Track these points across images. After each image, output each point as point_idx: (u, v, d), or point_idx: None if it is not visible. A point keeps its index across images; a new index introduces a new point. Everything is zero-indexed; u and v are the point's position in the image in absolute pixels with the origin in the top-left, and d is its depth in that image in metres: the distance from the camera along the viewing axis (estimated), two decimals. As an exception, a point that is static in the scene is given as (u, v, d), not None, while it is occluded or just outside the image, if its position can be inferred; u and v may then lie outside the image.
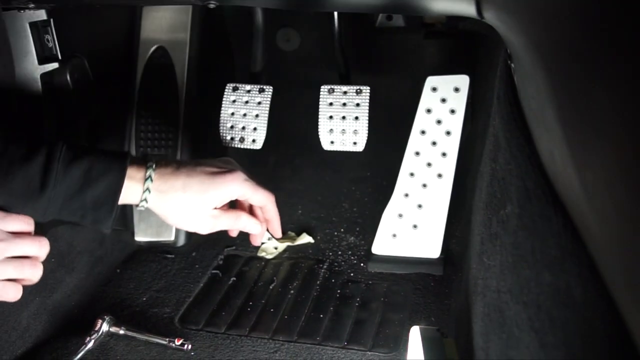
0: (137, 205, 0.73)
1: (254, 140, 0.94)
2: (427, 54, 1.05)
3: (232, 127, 0.95)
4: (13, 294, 0.65)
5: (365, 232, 1.06)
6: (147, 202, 0.72)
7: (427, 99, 0.88)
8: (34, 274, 0.66)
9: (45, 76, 0.88)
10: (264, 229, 0.79)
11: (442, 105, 0.88)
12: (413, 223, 0.92)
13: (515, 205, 0.47)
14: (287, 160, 1.22)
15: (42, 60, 0.87)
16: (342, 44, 0.99)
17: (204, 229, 0.74)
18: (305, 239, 1.06)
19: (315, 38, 1.15)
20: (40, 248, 0.67)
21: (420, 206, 0.91)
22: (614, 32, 0.28)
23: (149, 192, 0.72)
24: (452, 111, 0.87)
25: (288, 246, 1.05)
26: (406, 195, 0.92)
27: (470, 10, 0.60)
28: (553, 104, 0.38)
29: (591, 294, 0.33)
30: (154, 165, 0.72)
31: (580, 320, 0.34)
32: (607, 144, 0.29)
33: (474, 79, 0.87)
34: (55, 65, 0.90)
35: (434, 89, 0.88)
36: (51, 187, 0.69)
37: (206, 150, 1.07)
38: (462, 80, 0.87)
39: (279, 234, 0.82)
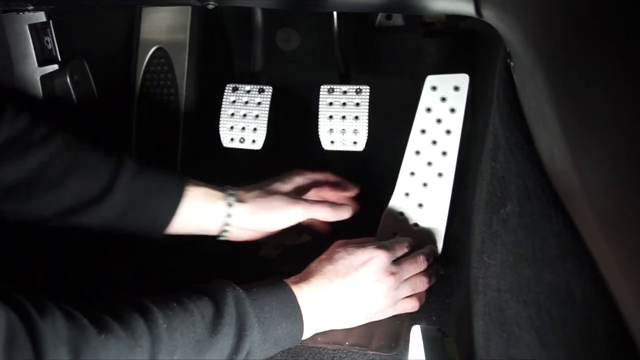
0: (219, 235, 0.84)
1: (253, 141, 0.94)
2: (426, 53, 1.05)
3: (232, 127, 0.95)
4: (412, 307, 0.81)
5: (366, 232, 1.05)
6: (231, 217, 0.82)
7: (427, 98, 0.88)
8: (423, 285, 0.81)
9: (45, 78, 0.88)
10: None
11: (442, 104, 0.88)
12: (414, 222, 0.92)
13: (515, 204, 0.47)
14: (287, 160, 1.22)
15: (41, 62, 0.87)
16: (341, 43, 0.99)
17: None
18: (306, 238, 1.06)
19: (315, 38, 1.15)
20: (423, 264, 0.81)
21: (420, 205, 0.91)
22: (614, 30, 0.28)
23: (232, 205, 0.82)
24: (452, 110, 0.87)
25: (288, 246, 1.05)
26: (406, 194, 0.92)
27: (469, 9, 0.60)
28: (552, 102, 0.38)
29: (591, 293, 0.33)
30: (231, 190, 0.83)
31: (580, 319, 0.34)
32: (607, 142, 0.29)
33: (473, 77, 0.87)
34: (55, 67, 0.90)
35: (434, 88, 0.88)
36: (117, 192, 0.74)
37: (206, 150, 1.08)
38: (462, 79, 0.87)
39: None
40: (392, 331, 0.84)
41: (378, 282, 0.75)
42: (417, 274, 0.81)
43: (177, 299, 0.62)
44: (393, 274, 0.76)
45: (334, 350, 0.82)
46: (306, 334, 0.73)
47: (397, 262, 0.79)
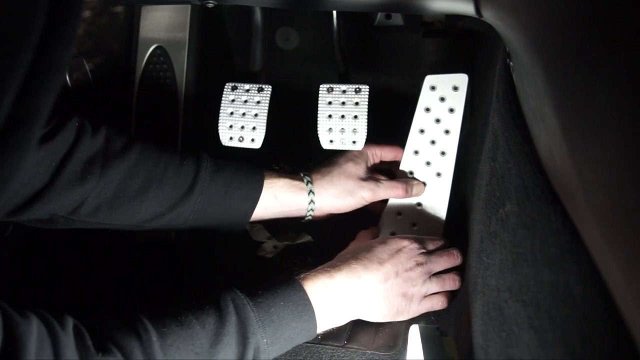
0: (303, 218, 0.86)
1: (253, 140, 0.94)
2: (426, 52, 1.05)
3: (231, 126, 0.94)
4: (441, 304, 0.78)
5: (365, 231, 1.06)
6: (314, 203, 0.84)
7: (426, 97, 0.88)
8: (454, 284, 0.78)
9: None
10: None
11: (441, 104, 0.88)
12: (412, 221, 0.92)
13: (515, 204, 0.47)
14: (287, 159, 1.22)
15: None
16: (341, 42, 0.99)
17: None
18: (305, 238, 1.06)
19: (314, 37, 1.15)
20: (455, 260, 0.78)
21: (419, 205, 0.91)
22: (613, 30, 0.28)
23: (313, 194, 0.84)
24: (451, 110, 0.87)
25: (287, 245, 1.05)
26: (405, 194, 0.92)
27: (469, 9, 0.60)
28: (552, 102, 0.38)
29: (590, 292, 0.33)
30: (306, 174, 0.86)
31: (579, 318, 0.34)
32: (606, 142, 0.29)
33: (473, 77, 0.87)
34: (54, 65, 0.90)
35: (433, 88, 0.88)
36: (197, 194, 0.77)
37: (205, 149, 1.07)
38: (461, 79, 0.87)
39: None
40: (391, 330, 0.84)
41: (409, 270, 0.73)
42: (448, 271, 0.78)
43: (176, 312, 0.61)
44: (422, 264, 0.75)
45: (333, 350, 0.82)
46: (324, 327, 0.72)
47: (428, 254, 0.77)
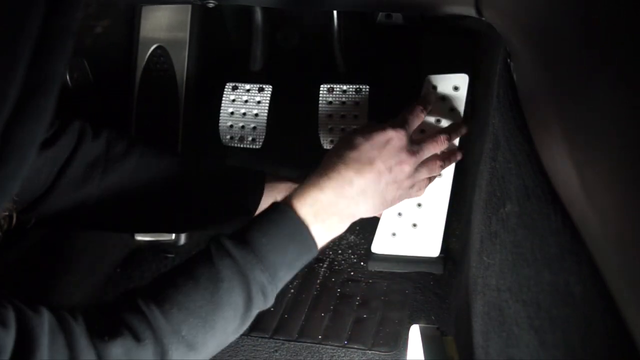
0: None
1: (253, 140, 0.94)
2: (426, 52, 1.05)
3: (231, 126, 0.95)
4: (421, 190, 0.78)
5: (365, 231, 1.06)
6: None
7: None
8: (438, 169, 0.77)
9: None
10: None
11: (442, 104, 0.88)
12: (412, 222, 0.92)
13: (515, 204, 0.47)
14: (287, 159, 1.22)
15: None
16: (341, 42, 0.99)
17: None
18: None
19: (315, 37, 1.15)
20: (442, 144, 0.76)
21: (419, 205, 0.91)
22: (614, 31, 0.28)
23: None
24: (452, 110, 0.87)
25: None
26: (406, 193, 0.92)
27: (469, 9, 0.60)
28: (552, 102, 0.38)
29: (590, 292, 0.33)
30: None
31: (579, 319, 0.34)
32: (606, 142, 0.29)
33: (473, 77, 0.87)
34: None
35: (434, 88, 0.88)
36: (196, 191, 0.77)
37: (205, 149, 1.07)
38: (462, 79, 0.87)
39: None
40: (392, 330, 0.84)
41: (401, 163, 0.70)
42: (434, 156, 0.76)
43: (168, 277, 0.60)
44: (414, 153, 0.71)
45: (333, 350, 0.82)
46: (324, 241, 0.67)
47: (416, 140, 0.74)
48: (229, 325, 0.60)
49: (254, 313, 0.62)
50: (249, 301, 0.60)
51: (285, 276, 0.63)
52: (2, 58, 0.30)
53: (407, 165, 0.71)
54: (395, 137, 0.71)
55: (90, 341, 0.52)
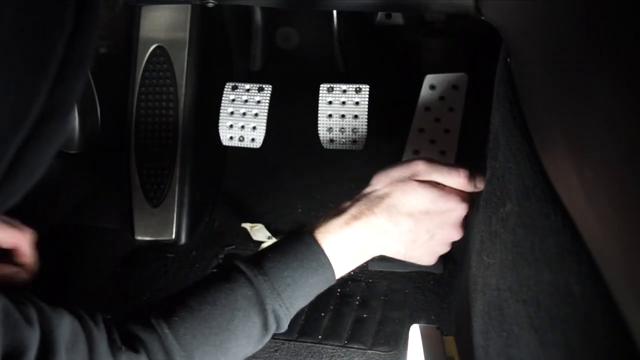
0: None
1: (253, 140, 0.94)
2: (426, 52, 1.05)
3: (231, 126, 0.95)
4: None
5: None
6: None
7: (426, 97, 0.88)
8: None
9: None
10: None
11: (441, 104, 0.88)
12: (413, 221, 0.92)
13: (515, 204, 0.47)
14: (287, 159, 1.22)
15: (41, 60, 0.87)
16: (341, 42, 0.99)
17: None
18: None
19: (315, 37, 1.15)
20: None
21: (419, 204, 0.91)
22: (614, 30, 0.28)
23: None
24: (451, 109, 0.87)
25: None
26: (406, 193, 0.92)
27: (469, 8, 0.60)
28: (552, 102, 0.38)
29: (590, 292, 0.33)
30: None
31: (579, 318, 0.34)
32: (607, 142, 0.29)
33: (473, 77, 0.87)
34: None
35: (433, 87, 0.88)
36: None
37: (205, 149, 1.07)
38: (461, 79, 0.87)
39: None
40: (392, 330, 0.84)
41: (451, 228, 0.65)
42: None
43: (184, 299, 0.59)
44: (462, 225, 0.66)
45: (333, 350, 0.82)
46: (344, 272, 0.64)
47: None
48: (241, 351, 0.60)
49: (268, 339, 0.62)
50: (264, 330, 0.60)
51: (300, 306, 0.63)
52: (31, 78, 0.29)
53: (452, 237, 0.66)
54: (458, 210, 0.64)
55: (109, 349, 0.52)
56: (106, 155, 1.07)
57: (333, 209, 0.65)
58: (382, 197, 0.63)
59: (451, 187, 0.64)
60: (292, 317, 0.62)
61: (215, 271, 0.63)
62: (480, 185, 0.65)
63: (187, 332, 0.56)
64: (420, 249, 0.66)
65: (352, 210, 0.63)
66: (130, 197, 1.03)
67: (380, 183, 0.65)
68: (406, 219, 0.62)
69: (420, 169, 0.64)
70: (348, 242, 0.63)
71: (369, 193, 0.65)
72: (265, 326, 0.60)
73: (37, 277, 0.74)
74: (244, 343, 0.59)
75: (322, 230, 0.62)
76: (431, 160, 0.65)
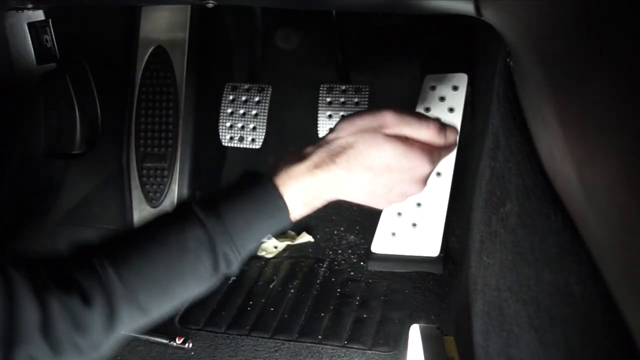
0: None
1: (253, 140, 0.94)
2: (425, 52, 1.05)
3: (231, 126, 0.95)
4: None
5: (365, 231, 1.06)
6: None
7: (426, 97, 0.88)
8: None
9: (44, 76, 0.88)
10: None
11: (441, 104, 0.88)
12: (412, 221, 0.92)
13: (515, 204, 0.47)
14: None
15: (40, 61, 0.87)
16: (341, 42, 0.99)
17: None
18: (305, 237, 1.06)
19: (314, 37, 1.15)
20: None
21: (419, 204, 0.91)
22: (613, 30, 0.28)
23: None
24: (451, 109, 0.87)
25: (288, 245, 1.05)
26: (406, 193, 0.92)
27: (469, 8, 0.60)
28: (552, 101, 0.38)
29: (590, 292, 0.33)
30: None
31: (579, 318, 0.34)
32: (606, 141, 0.29)
33: (473, 77, 0.87)
34: (53, 65, 0.90)
35: (433, 88, 0.88)
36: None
37: (205, 149, 1.07)
38: (461, 79, 0.87)
39: None
40: (392, 330, 0.84)
41: (410, 184, 0.62)
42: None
43: (133, 239, 0.56)
44: (426, 183, 0.63)
45: (333, 350, 0.82)
46: (300, 216, 0.61)
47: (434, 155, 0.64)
48: (189, 292, 0.57)
49: (216, 281, 0.58)
50: (213, 272, 0.57)
51: (253, 247, 0.59)
52: None
53: (413, 189, 0.63)
54: (420, 168, 0.62)
55: (34, 290, 0.49)
56: (106, 155, 1.07)
57: (294, 153, 0.62)
58: (344, 147, 0.61)
59: (420, 143, 0.62)
60: (244, 260, 0.59)
61: (168, 212, 0.59)
62: (451, 138, 0.64)
63: (131, 271, 0.54)
64: (376, 198, 0.64)
65: (314, 158, 0.61)
66: (130, 197, 1.03)
67: (344, 131, 0.63)
68: (366, 172, 0.61)
69: (388, 120, 0.62)
70: (307, 189, 0.61)
71: (332, 140, 0.62)
72: (215, 268, 0.57)
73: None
74: (191, 284, 0.57)
75: (282, 175, 0.60)
76: (401, 111, 0.63)
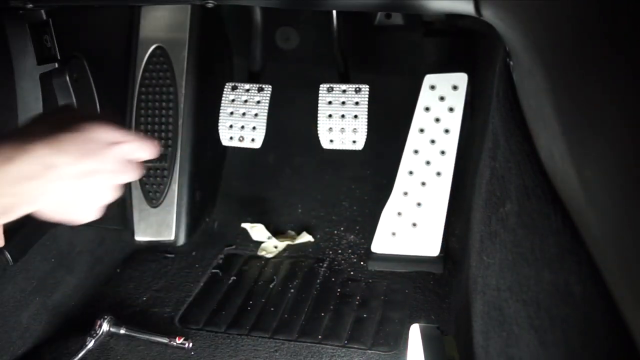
0: None
1: (253, 140, 0.94)
2: (426, 52, 1.05)
3: (231, 126, 0.95)
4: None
5: (365, 231, 1.06)
6: None
7: (426, 97, 0.88)
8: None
9: (44, 76, 0.88)
10: None
11: (441, 104, 0.88)
12: (412, 221, 0.92)
13: (515, 203, 0.47)
14: (287, 159, 1.22)
15: (41, 61, 0.87)
16: (341, 42, 0.99)
17: None
18: (305, 237, 1.06)
19: (314, 37, 1.15)
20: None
21: (419, 204, 0.91)
22: (612, 30, 0.28)
23: None
24: (451, 109, 0.87)
25: (288, 245, 1.05)
26: (405, 193, 0.92)
27: (469, 8, 0.60)
28: (552, 101, 0.38)
29: (590, 292, 0.33)
30: None
31: (579, 318, 0.34)
32: (606, 141, 0.29)
33: (473, 77, 0.87)
34: (54, 65, 0.90)
35: (433, 87, 0.88)
36: None
37: (205, 149, 1.07)
38: (461, 79, 0.87)
39: None
40: (392, 330, 0.84)
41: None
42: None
43: None
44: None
45: (333, 350, 0.82)
46: None
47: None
48: None
49: None
50: None
51: None
52: None
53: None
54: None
55: None
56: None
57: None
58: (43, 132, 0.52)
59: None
60: None
61: None
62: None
63: None
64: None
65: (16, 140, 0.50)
66: (130, 197, 1.03)
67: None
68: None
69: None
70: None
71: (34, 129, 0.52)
72: None
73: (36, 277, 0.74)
74: None
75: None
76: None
